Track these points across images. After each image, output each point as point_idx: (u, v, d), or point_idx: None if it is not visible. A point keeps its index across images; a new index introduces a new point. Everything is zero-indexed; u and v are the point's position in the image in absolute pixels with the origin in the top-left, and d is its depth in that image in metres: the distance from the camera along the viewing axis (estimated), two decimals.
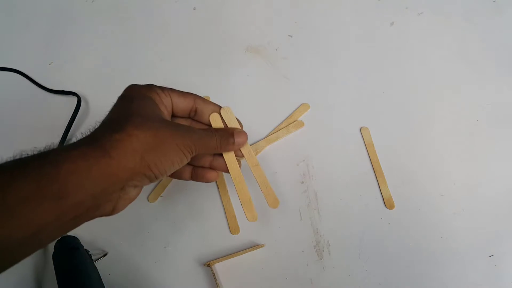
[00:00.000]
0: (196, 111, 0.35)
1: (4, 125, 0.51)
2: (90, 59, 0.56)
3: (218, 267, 0.42)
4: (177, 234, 0.44)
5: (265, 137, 0.49)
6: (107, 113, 0.30)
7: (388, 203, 0.45)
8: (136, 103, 0.30)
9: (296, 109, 0.50)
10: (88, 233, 0.43)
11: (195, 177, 0.36)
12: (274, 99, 0.51)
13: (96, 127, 0.29)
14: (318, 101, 0.51)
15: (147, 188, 0.46)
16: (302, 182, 0.46)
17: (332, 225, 0.44)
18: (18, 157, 0.25)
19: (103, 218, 0.41)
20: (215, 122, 0.36)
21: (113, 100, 0.31)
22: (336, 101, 0.51)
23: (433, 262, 0.42)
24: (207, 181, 0.36)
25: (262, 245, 0.43)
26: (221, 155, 0.36)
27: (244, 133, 0.36)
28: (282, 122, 0.50)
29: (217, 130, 0.35)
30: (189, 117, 0.36)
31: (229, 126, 0.36)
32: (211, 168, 0.37)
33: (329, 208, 0.45)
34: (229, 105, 0.51)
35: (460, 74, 0.52)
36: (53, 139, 0.49)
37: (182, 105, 0.34)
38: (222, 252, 0.43)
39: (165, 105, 0.32)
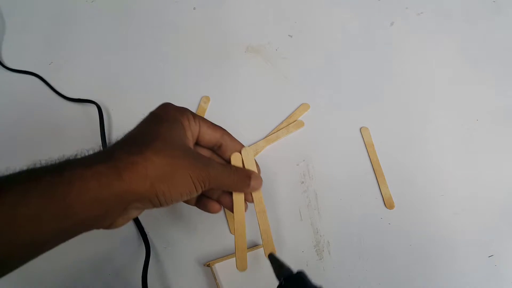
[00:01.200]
0: (220, 146, 0.35)
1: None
2: (90, 59, 0.56)
3: (218, 267, 0.42)
4: (177, 234, 0.44)
5: (265, 137, 0.49)
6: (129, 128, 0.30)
7: (388, 203, 0.45)
8: (164, 127, 0.30)
9: (296, 109, 0.50)
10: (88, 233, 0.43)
11: (199, 204, 0.36)
12: (274, 99, 0.51)
13: (118, 140, 0.29)
14: (318, 101, 0.51)
15: None
16: (302, 182, 0.46)
17: (332, 225, 0.44)
18: (32, 167, 0.25)
19: None
20: (235, 161, 0.35)
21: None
22: (336, 101, 0.51)
23: (433, 262, 0.42)
24: (210, 212, 0.36)
25: (262, 245, 0.43)
26: (230, 192, 0.35)
27: (260, 179, 0.35)
28: (282, 122, 0.50)
29: (236, 169, 0.35)
30: (211, 149, 0.35)
31: (246, 167, 0.36)
32: (218, 201, 0.36)
33: (329, 208, 0.45)
34: (229, 105, 0.51)
35: (460, 74, 0.52)
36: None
37: (209, 136, 0.34)
38: (222, 252, 0.43)
39: (192, 132, 0.32)
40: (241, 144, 0.36)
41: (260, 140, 0.48)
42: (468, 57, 0.54)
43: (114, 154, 0.27)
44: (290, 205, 0.45)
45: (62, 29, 0.58)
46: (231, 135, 0.35)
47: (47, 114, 0.51)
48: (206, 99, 0.51)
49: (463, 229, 0.43)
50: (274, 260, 0.33)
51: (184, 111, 0.32)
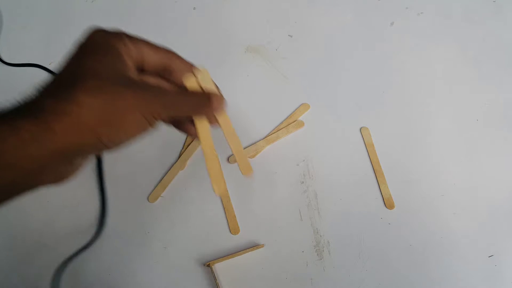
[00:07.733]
0: (171, 70, 0.30)
1: None
2: None
3: (218, 267, 0.42)
4: (177, 234, 0.44)
5: (265, 137, 0.49)
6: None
7: (388, 203, 0.45)
8: (94, 58, 0.25)
9: (296, 109, 0.50)
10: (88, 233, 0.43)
11: (176, 125, 0.32)
12: (274, 99, 0.51)
13: (42, 87, 0.24)
14: (318, 101, 0.51)
15: (147, 188, 0.46)
16: (302, 182, 0.46)
17: (332, 225, 0.44)
18: None
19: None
20: (190, 84, 0.31)
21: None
22: (336, 101, 0.51)
23: (433, 262, 0.42)
24: (188, 134, 0.32)
25: (262, 245, 0.43)
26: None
27: (222, 98, 0.31)
28: (282, 122, 0.50)
29: (192, 92, 0.30)
30: (159, 75, 0.30)
31: (205, 89, 0.32)
32: (184, 131, 0.32)
33: (329, 208, 0.45)
34: (229, 105, 0.51)
35: (459, 74, 0.52)
36: None
37: (153, 59, 0.29)
38: (222, 252, 0.43)
39: (133, 58, 0.27)
40: (192, 64, 0.32)
41: (260, 140, 0.48)
42: (468, 57, 0.53)
43: (39, 104, 0.23)
44: (290, 205, 0.45)
45: (62, 29, 0.58)
46: (181, 57, 0.31)
47: None
48: None
49: (463, 229, 0.43)
50: None
51: (118, 34, 0.27)
